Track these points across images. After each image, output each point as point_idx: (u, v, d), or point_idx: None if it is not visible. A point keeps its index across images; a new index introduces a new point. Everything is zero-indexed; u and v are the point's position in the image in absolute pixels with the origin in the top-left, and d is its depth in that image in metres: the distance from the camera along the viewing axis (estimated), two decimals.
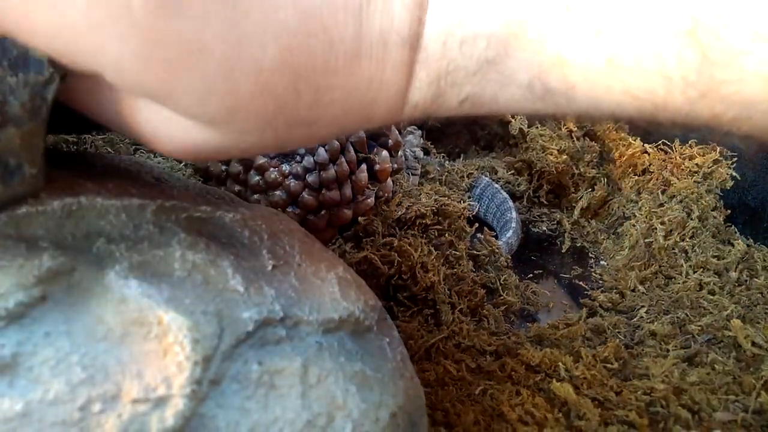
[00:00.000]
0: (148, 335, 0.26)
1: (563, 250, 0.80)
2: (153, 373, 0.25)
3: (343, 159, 0.56)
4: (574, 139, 0.90)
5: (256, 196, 0.59)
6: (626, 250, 0.72)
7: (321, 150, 0.56)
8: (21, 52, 0.28)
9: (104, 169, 0.42)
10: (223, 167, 0.60)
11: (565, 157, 0.87)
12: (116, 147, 0.61)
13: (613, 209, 0.83)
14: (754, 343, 0.52)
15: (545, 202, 0.89)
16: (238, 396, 0.28)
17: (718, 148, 0.73)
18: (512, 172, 0.92)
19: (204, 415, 0.26)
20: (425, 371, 0.48)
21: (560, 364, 0.50)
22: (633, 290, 0.67)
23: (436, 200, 0.62)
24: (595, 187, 0.86)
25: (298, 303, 0.33)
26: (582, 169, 0.89)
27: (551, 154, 0.87)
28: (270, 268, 0.34)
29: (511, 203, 0.82)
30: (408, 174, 0.81)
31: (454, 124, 0.96)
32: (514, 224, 0.77)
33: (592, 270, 0.75)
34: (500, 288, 0.63)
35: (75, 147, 0.60)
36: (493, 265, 0.64)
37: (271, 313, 0.31)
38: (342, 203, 0.58)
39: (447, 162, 0.90)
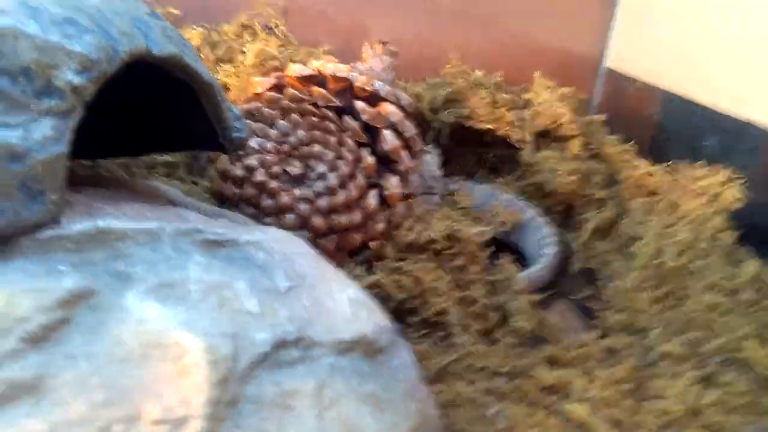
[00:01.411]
0: (165, 357, 0.27)
1: (573, 272, 0.79)
2: (172, 394, 0.26)
3: (352, 184, 0.57)
4: (581, 161, 0.91)
5: (268, 219, 0.60)
6: (637, 270, 0.72)
7: (331, 175, 0.57)
8: (45, 81, 0.29)
9: (120, 193, 0.43)
10: (236, 190, 0.60)
11: (574, 178, 0.87)
12: (131, 171, 0.62)
13: (622, 230, 0.83)
14: None
15: (555, 223, 0.89)
16: (254, 417, 0.28)
17: (723, 171, 0.73)
18: (523, 196, 0.92)
19: None
20: (438, 392, 0.48)
21: (574, 385, 0.50)
22: (644, 311, 0.66)
23: (447, 225, 0.62)
24: (603, 208, 0.86)
25: (311, 324, 0.33)
26: (590, 191, 0.89)
27: (561, 176, 0.87)
28: (284, 289, 0.35)
29: (550, 234, 0.79)
30: (425, 197, 0.81)
31: (462, 145, 0.97)
32: (545, 258, 0.75)
33: (603, 291, 0.74)
34: (513, 312, 0.62)
35: (90, 170, 0.61)
36: (508, 289, 0.64)
37: (285, 334, 0.31)
38: (351, 228, 0.58)
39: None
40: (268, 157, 0.58)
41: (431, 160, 0.86)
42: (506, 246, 0.84)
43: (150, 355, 0.27)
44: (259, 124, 0.59)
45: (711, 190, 0.73)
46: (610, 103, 1.03)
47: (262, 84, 0.60)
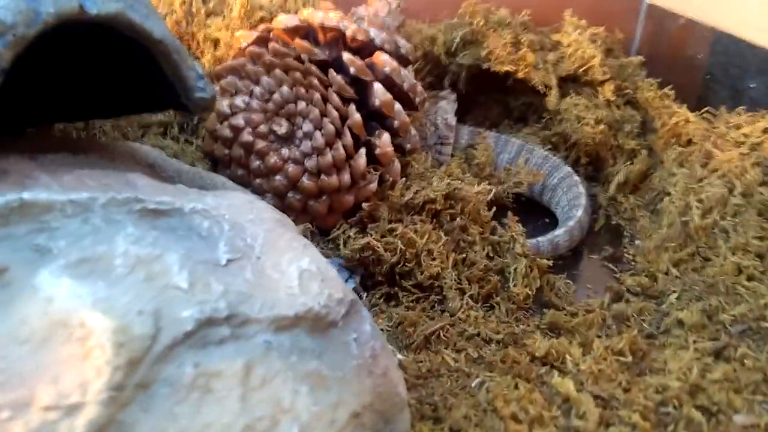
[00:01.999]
0: (70, 338, 0.26)
1: (596, 229, 0.75)
2: (70, 378, 0.25)
3: (339, 143, 0.54)
4: (613, 108, 0.84)
5: (258, 181, 0.58)
6: (663, 229, 0.66)
7: (317, 134, 0.54)
8: None
9: (83, 159, 0.42)
10: (226, 151, 0.59)
11: (602, 127, 0.81)
12: (124, 131, 0.61)
13: (653, 184, 0.77)
14: None
15: (583, 176, 0.83)
16: (168, 400, 0.27)
17: (766, 117, 0.65)
18: (549, 147, 0.86)
19: (123, 422, 0.25)
20: (420, 362, 0.46)
21: (568, 356, 0.47)
22: (666, 273, 0.61)
23: (448, 184, 0.58)
24: (635, 159, 0.80)
25: (249, 300, 0.31)
26: (621, 141, 0.82)
27: (587, 125, 0.81)
28: (224, 262, 0.33)
29: (582, 197, 0.74)
30: (438, 146, 0.77)
31: (484, 92, 0.91)
32: (571, 221, 0.70)
33: (626, 250, 0.69)
34: (516, 275, 0.59)
35: (84, 133, 0.61)
36: (511, 252, 0.60)
37: (215, 311, 0.30)
38: (342, 189, 0.56)
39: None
40: (254, 116, 0.56)
41: (447, 106, 0.81)
42: (538, 205, 0.79)
43: (54, 337, 0.26)
44: (245, 81, 0.56)
45: (751, 138, 0.65)
46: (651, 43, 0.94)
47: (246, 38, 0.57)
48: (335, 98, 0.53)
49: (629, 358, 0.47)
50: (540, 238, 0.67)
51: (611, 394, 0.42)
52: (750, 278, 0.54)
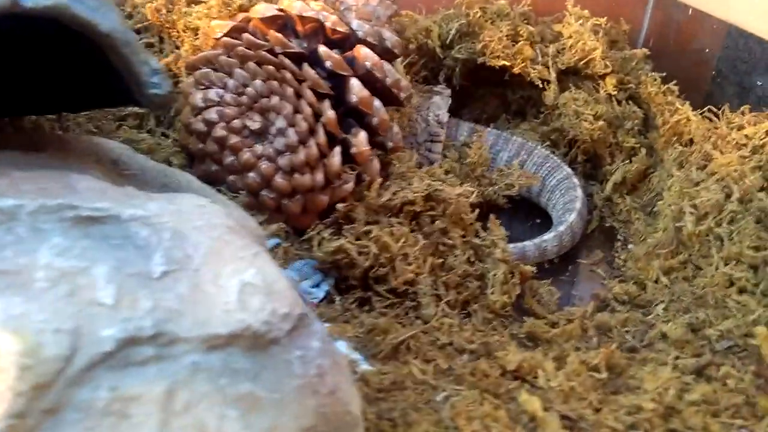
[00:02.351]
0: None
1: (589, 230, 0.72)
2: None
3: (312, 141, 0.52)
4: (615, 103, 0.80)
5: (231, 178, 0.57)
6: (659, 233, 0.64)
7: (290, 131, 0.52)
8: None
9: (33, 159, 0.40)
10: (200, 145, 0.57)
11: (601, 123, 0.78)
12: (98, 124, 0.60)
13: (652, 184, 0.74)
14: None
15: (581, 175, 0.80)
16: (77, 427, 0.25)
17: None
18: (547, 143, 0.83)
19: None
20: (384, 373, 0.44)
21: (540, 370, 0.45)
22: (656, 281, 0.59)
23: (428, 185, 0.56)
24: (634, 158, 0.77)
25: (179, 317, 0.30)
26: (621, 138, 0.79)
27: (585, 121, 0.78)
28: (158, 274, 0.31)
29: (578, 201, 0.71)
30: (428, 144, 0.75)
31: (484, 85, 0.88)
32: (562, 226, 0.67)
33: (617, 255, 0.67)
34: (495, 281, 0.56)
35: (59, 125, 0.60)
36: (491, 257, 0.58)
37: (139, 330, 0.28)
38: (316, 188, 0.54)
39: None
40: (227, 110, 0.54)
41: (440, 102, 0.78)
42: (536, 207, 0.77)
43: None
44: (219, 74, 0.54)
45: (754, 140, 0.62)
46: (659, 35, 0.90)
47: (221, 27, 0.55)
48: (309, 94, 0.51)
49: (604, 375, 0.44)
50: (527, 243, 0.65)
51: (580, 414, 0.40)
52: (741, 291, 0.52)
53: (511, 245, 0.62)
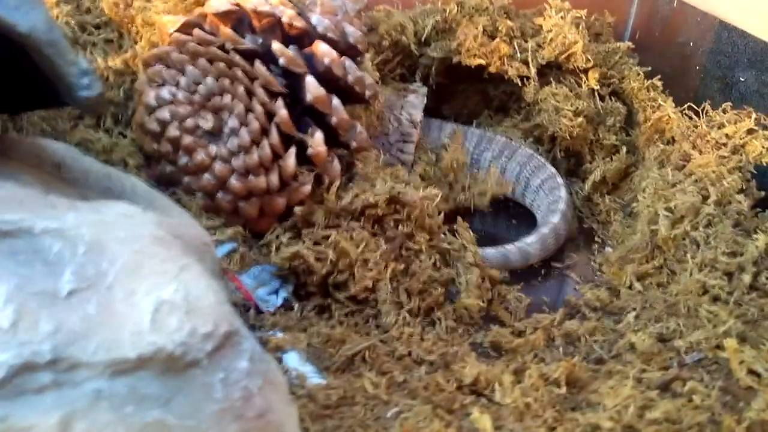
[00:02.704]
0: None
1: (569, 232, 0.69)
2: None
3: (266, 142, 0.49)
4: (597, 98, 0.78)
5: (187, 179, 0.54)
6: (638, 235, 0.61)
7: (243, 131, 0.50)
8: None
9: None
10: (155, 146, 0.55)
11: (581, 119, 0.75)
12: (53, 123, 0.58)
13: (633, 184, 0.71)
14: (751, 371, 0.42)
15: (564, 172, 0.78)
16: None
17: (755, 115, 0.59)
18: (530, 140, 0.81)
19: None
20: (333, 388, 0.42)
21: (497, 384, 0.43)
22: (630, 287, 0.56)
23: (392, 187, 0.54)
24: (614, 156, 0.74)
25: (82, 340, 0.28)
26: (602, 135, 0.77)
27: (565, 117, 0.75)
28: (65, 293, 0.29)
29: (561, 202, 0.68)
30: (400, 144, 0.72)
31: (465, 81, 0.86)
32: (545, 228, 0.64)
33: (592, 258, 0.64)
34: (465, 287, 0.54)
35: (12, 125, 0.58)
36: (462, 261, 0.56)
37: (36, 355, 0.26)
38: (271, 190, 0.51)
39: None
40: (180, 109, 0.52)
41: (415, 101, 0.76)
42: (520, 206, 0.74)
43: None
44: (171, 71, 0.52)
45: (734, 139, 0.59)
46: (645, 27, 0.87)
47: (174, 23, 0.52)
48: (260, 92, 0.49)
49: (563, 390, 0.42)
50: (509, 247, 0.62)
51: None
52: (714, 299, 0.49)
53: (492, 249, 0.60)
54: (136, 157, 0.57)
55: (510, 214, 0.74)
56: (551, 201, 0.71)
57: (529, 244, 0.63)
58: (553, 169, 0.74)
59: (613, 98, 0.78)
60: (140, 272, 0.32)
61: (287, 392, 0.37)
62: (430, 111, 0.81)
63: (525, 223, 0.71)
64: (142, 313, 0.30)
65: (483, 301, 0.53)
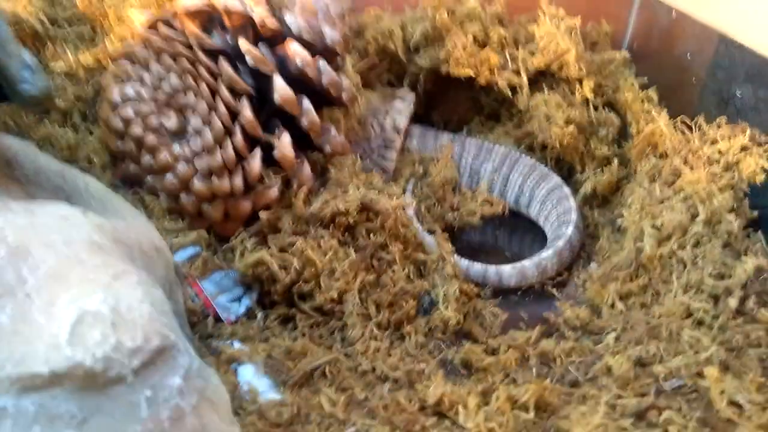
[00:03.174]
0: None
1: None
2: None
3: (229, 142, 0.47)
4: (591, 108, 0.75)
5: (150, 179, 0.52)
6: (625, 251, 0.59)
7: (206, 131, 0.48)
8: None
9: None
10: (119, 143, 0.53)
11: (572, 128, 0.72)
12: (17, 118, 0.56)
13: (623, 198, 0.68)
14: (732, 402, 0.39)
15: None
16: None
17: (749, 131, 0.56)
18: (521, 147, 0.78)
19: None
20: (285, 405, 0.40)
21: (461, 407, 0.40)
22: (612, 306, 0.54)
23: (364, 194, 0.51)
24: (605, 168, 0.71)
25: None
26: (594, 145, 0.74)
27: (556, 125, 0.73)
28: None
29: (573, 212, 0.66)
30: (382, 150, 0.70)
31: (455, 88, 0.83)
32: (560, 241, 0.62)
33: (576, 275, 0.62)
34: (443, 298, 0.52)
35: None
36: (440, 272, 0.53)
37: None
38: (236, 193, 0.49)
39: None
40: (143, 107, 0.50)
41: (401, 107, 0.74)
42: (520, 217, 0.72)
43: None
44: (136, 68, 0.50)
45: (727, 156, 0.57)
46: (644, 37, 0.85)
47: (140, 19, 0.50)
48: (224, 91, 0.47)
49: (531, 414, 0.40)
50: (525, 263, 0.60)
51: None
52: (698, 323, 0.47)
53: (509, 266, 0.59)
54: (102, 155, 0.55)
55: (508, 224, 0.72)
56: (561, 212, 0.68)
57: (545, 259, 0.61)
58: (558, 179, 0.71)
59: (607, 109, 0.75)
60: (65, 280, 0.30)
61: (229, 411, 0.34)
62: (419, 118, 0.79)
63: (521, 234, 0.69)
64: (61, 325, 0.27)
65: (461, 313, 0.51)
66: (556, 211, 0.69)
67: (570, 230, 0.64)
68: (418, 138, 0.74)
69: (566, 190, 0.69)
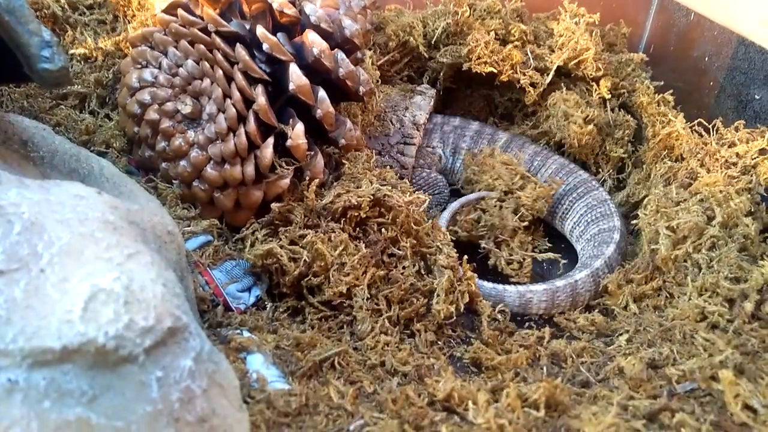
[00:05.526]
0: None
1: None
2: None
3: (242, 129, 0.47)
4: (608, 109, 0.75)
5: (164, 165, 0.52)
6: (639, 254, 0.58)
7: (220, 117, 0.48)
8: None
9: None
10: (135, 129, 0.53)
11: (591, 127, 0.72)
12: (30, 100, 0.56)
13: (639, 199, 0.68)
14: (746, 406, 0.38)
15: None
16: None
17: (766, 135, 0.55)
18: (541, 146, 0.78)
19: None
20: (294, 395, 0.40)
21: (471, 402, 0.40)
22: (625, 308, 0.53)
23: (377, 189, 0.51)
24: (623, 170, 0.71)
25: (3, 325, 0.25)
26: (609, 147, 0.73)
27: (575, 123, 0.72)
28: None
29: (616, 232, 0.61)
30: (400, 146, 0.69)
31: (470, 85, 0.83)
32: (598, 262, 0.57)
33: None
34: (441, 289, 0.51)
35: None
36: (435, 263, 0.53)
37: None
38: (247, 181, 0.49)
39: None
40: (160, 92, 0.50)
41: (421, 102, 0.73)
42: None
43: None
44: (154, 52, 0.50)
45: (745, 159, 0.56)
46: (661, 39, 0.84)
47: (161, 2, 0.50)
48: (240, 78, 0.46)
49: (541, 413, 0.39)
50: (557, 283, 0.55)
51: None
52: (713, 327, 0.46)
53: (541, 286, 0.56)
54: (120, 140, 0.56)
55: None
56: (601, 230, 0.63)
57: (580, 281, 0.56)
58: (605, 194, 0.67)
59: (622, 110, 0.75)
60: (80, 257, 0.29)
61: (239, 397, 0.34)
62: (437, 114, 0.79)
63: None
64: (75, 301, 0.27)
65: (456, 307, 0.50)
66: (595, 228, 0.64)
67: (610, 250, 0.59)
68: (471, 138, 0.73)
69: (611, 207, 0.65)
